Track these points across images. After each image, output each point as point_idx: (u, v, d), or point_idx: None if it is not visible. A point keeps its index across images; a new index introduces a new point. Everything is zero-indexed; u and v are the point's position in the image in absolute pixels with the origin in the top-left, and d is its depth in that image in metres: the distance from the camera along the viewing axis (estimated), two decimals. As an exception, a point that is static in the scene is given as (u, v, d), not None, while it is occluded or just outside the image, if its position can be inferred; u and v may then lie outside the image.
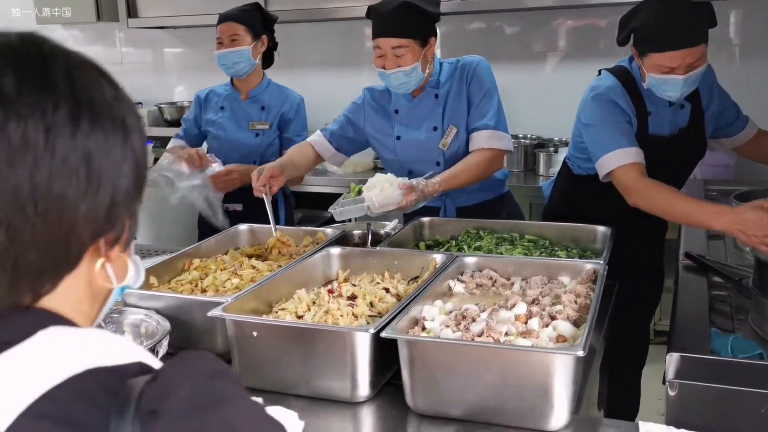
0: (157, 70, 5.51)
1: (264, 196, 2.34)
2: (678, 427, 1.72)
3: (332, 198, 4.58)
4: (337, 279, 2.01)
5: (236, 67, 2.98)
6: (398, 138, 2.60)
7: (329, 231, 2.28)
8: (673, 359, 1.69)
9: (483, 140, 2.47)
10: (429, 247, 2.29)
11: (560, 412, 1.36)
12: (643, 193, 2.15)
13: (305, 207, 4.73)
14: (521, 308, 1.58)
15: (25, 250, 0.65)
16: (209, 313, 1.55)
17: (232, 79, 3.12)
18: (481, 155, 2.46)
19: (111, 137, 0.70)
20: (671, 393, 1.71)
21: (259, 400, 1.12)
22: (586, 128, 2.38)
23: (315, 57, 5.00)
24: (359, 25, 4.79)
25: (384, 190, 2.21)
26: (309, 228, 2.38)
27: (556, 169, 3.92)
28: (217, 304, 1.62)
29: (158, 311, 1.75)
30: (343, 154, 2.73)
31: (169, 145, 3.16)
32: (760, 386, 1.61)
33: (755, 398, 1.62)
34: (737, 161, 3.87)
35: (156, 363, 0.72)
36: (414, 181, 2.28)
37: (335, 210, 2.26)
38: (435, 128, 2.54)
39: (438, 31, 2.62)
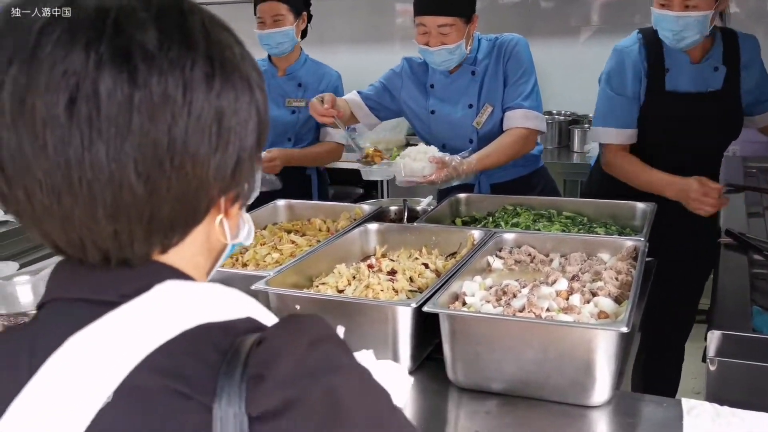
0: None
1: (336, 119, 2.41)
2: (718, 402, 1.73)
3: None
4: (374, 254, 2.02)
5: (280, 47, 2.97)
6: (432, 112, 2.60)
7: (366, 207, 2.29)
8: (714, 337, 1.68)
9: (517, 119, 2.46)
10: (465, 224, 2.29)
11: (602, 387, 1.36)
12: (615, 164, 2.39)
13: (337, 183, 4.75)
14: (562, 284, 1.58)
15: (159, 204, 0.67)
16: (253, 287, 1.57)
17: (269, 55, 3.11)
18: (515, 134, 2.45)
19: (240, 96, 0.70)
20: (712, 370, 1.71)
21: (369, 352, 1.13)
22: (600, 87, 2.47)
23: (344, 32, 4.98)
24: (389, 0, 4.76)
25: (415, 161, 2.23)
26: (346, 204, 2.39)
27: (591, 145, 3.89)
28: (260, 277, 1.65)
29: (201, 285, 1.78)
30: (376, 116, 2.74)
31: None
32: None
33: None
34: (777, 138, 3.79)
35: (267, 318, 0.74)
36: (447, 157, 2.28)
37: (364, 169, 2.34)
38: (470, 106, 2.53)
39: None
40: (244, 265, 1.93)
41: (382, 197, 4.38)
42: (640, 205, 2.16)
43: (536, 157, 2.68)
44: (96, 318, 0.67)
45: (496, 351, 1.41)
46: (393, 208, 2.41)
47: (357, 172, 4.55)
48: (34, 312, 0.76)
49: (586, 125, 4.09)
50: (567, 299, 1.52)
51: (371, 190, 4.56)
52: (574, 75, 4.34)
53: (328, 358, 0.68)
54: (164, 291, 0.69)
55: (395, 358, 1.51)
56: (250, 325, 0.71)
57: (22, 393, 0.65)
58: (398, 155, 2.34)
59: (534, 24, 4.39)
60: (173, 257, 0.72)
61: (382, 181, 4.44)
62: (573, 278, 1.69)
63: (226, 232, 0.76)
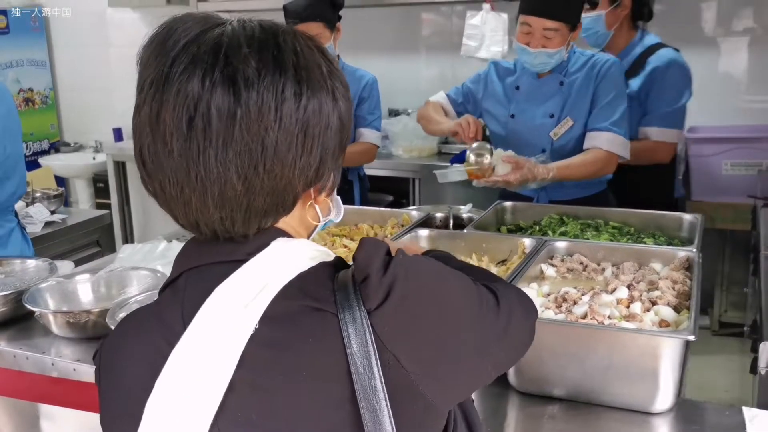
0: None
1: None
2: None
3: (396, 182, 4.66)
4: (424, 260, 2.05)
5: None
6: (512, 116, 2.62)
7: (414, 213, 2.32)
8: (766, 348, 1.71)
9: (603, 141, 2.46)
10: (511, 232, 2.31)
11: (665, 395, 1.38)
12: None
13: (371, 191, 4.79)
14: (622, 292, 1.60)
15: (255, 197, 0.84)
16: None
17: None
18: (597, 155, 2.45)
19: (324, 107, 0.86)
20: (763, 381, 1.73)
21: None
22: None
23: (372, 42, 5.02)
24: (416, 10, 4.79)
25: (490, 161, 2.28)
26: (393, 209, 2.42)
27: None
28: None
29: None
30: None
31: None
32: None
33: None
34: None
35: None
36: (524, 159, 2.30)
37: (438, 172, 2.40)
38: (551, 115, 2.54)
39: None
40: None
41: (413, 204, 4.41)
42: (687, 217, 2.18)
43: (601, 181, 2.65)
44: (232, 272, 0.84)
45: (560, 357, 1.43)
46: (438, 215, 2.44)
47: (386, 178, 4.61)
48: (98, 310, 0.96)
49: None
50: (628, 307, 1.54)
51: (401, 198, 4.59)
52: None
53: (400, 257, 0.86)
54: (279, 245, 0.87)
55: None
56: (339, 261, 0.92)
57: (183, 338, 0.82)
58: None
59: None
60: (281, 225, 0.90)
61: (414, 189, 4.46)
62: (629, 287, 1.71)
63: (317, 214, 0.94)
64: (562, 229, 2.19)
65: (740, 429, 1.35)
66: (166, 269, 2.16)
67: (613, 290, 1.63)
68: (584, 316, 1.49)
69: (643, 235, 2.13)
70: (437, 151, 4.48)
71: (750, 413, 1.39)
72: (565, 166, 2.41)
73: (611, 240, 2.09)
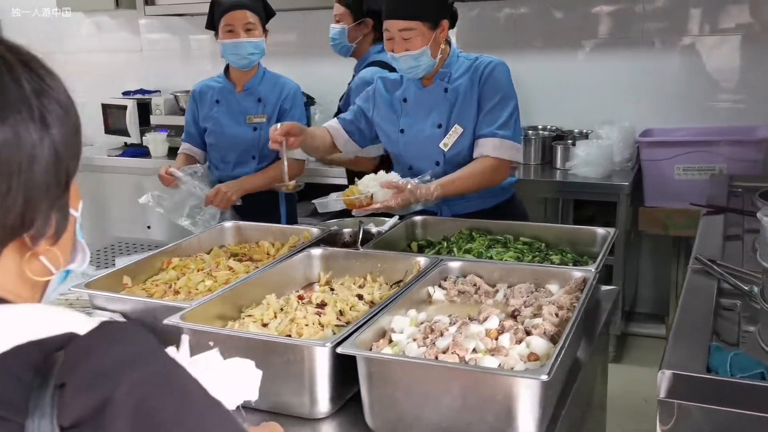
0: (176, 57, 5.47)
1: (280, 147, 2.32)
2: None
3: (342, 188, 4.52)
4: (318, 281, 1.93)
5: (250, 59, 2.86)
6: (402, 131, 2.51)
7: (315, 230, 2.19)
8: (665, 377, 1.58)
9: (488, 148, 2.35)
10: (421, 248, 2.19)
11: (526, 437, 1.26)
12: None
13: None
14: (493, 322, 1.47)
15: None
16: (165, 321, 1.48)
17: (227, 71, 3.00)
18: (485, 164, 2.35)
19: (24, 136, 0.70)
20: (662, 413, 1.61)
21: (214, 351, 1.08)
22: None
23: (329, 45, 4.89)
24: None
25: (368, 188, 2.16)
26: (295, 227, 2.29)
27: (573, 162, 3.78)
28: (180, 309, 1.56)
29: (124, 314, 1.69)
30: (355, 143, 2.65)
31: (179, 150, 3.12)
32: (758, 409, 1.49)
33: (752, 421, 1.50)
34: (766, 156, 3.68)
35: (84, 329, 0.72)
36: (405, 181, 2.19)
37: (317, 201, 2.27)
38: (439, 126, 2.43)
39: (458, 16, 2.50)
40: (176, 293, 1.84)
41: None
42: (600, 231, 2.06)
43: (505, 189, 2.54)
44: None
45: (414, 396, 1.30)
46: (347, 230, 2.31)
47: (342, 186, 4.48)
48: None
49: (569, 141, 3.99)
50: (496, 339, 1.41)
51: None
52: (559, 90, 4.25)
53: (128, 355, 0.67)
54: None
55: (312, 400, 1.41)
56: (69, 339, 0.69)
57: None
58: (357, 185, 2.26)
59: (518, 38, 4.30)
60: None
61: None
62: (514, 313, 1.59)
63: (46, 267, 0.77)
64: (468, 245, 2.07)
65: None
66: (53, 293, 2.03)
67: (485, 319, 1.50)
68: (446, 350, 1.37)
69: (551, 252, 2.01)
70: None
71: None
72: (450, 181, 2.29)
73: (517, 257, 1.96)
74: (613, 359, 3.79)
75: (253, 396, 1.01)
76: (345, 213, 2.39)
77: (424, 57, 2.32)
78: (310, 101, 4.81)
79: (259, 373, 1.02)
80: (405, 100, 2.51)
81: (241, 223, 2.32)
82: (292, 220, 3.09)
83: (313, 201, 2.30)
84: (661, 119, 4.12)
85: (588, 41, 4.24)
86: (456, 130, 2.41)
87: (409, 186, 2.16)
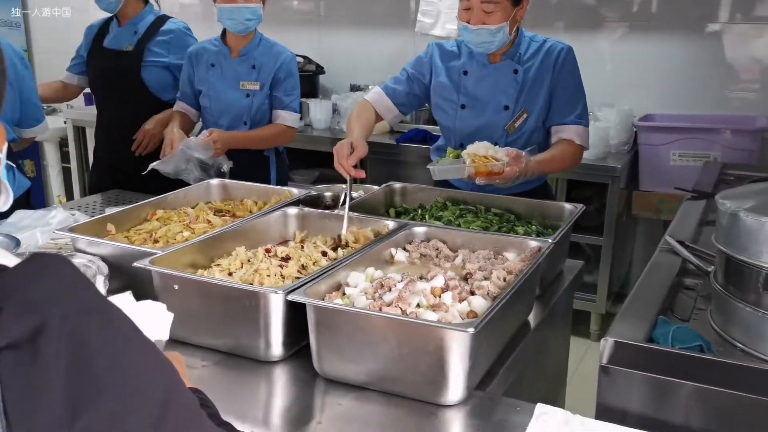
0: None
1: (348, 176, 2.12)
2: (605, 414, 1.70)
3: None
4: (294, 239, 2.02)
5: (246, 24, 2.85)
6: (463, 107, 2.46)
7: (295, 191, 2.27)
8: (608, 344, 1.66)
9: (574, 134, 2.39)
10: (399, 214, 2.27)
11: (455, 387, 1.35)
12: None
13: (322, 167, 4.75)
14: (439, 281, 1.56)
15: None
16: (134, 264, 1.58)
17: (223, 35, 3.00)
18: (571, 149, 2.39)
19: None
20: (603, 378, 1.69)
21: (127, 293, 1.17)
22: None
23: (350, 14, 4.94)
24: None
25: (488, 154, 2.14)
26: (278, 188, 2.38)
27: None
28: (154, 254, 1.66)
29: (104, 258, 1.80)
30: (401, 112, 2.60)
31: (174, 108, 3.14)
32: (692, 378, 1.57)
33: (687, 390, 1.58)
34: (761, 147, 3.70)
35: (12, 262, 0.76)
36: (521, 151, 2.17)
37: (433, 168, 2.22)
38: (506, 107, 2.40)
39: None
40: (155, 241, 1.94)
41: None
42: (568, 206, 2.12)
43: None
44: None
45: (356, 344, 1.40)
46: (328, 194, 2.39)
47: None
48: None
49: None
50: (439, 296, 1.50)
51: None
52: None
53: (60, 285, 0.71)
54: None
55: (267, 344, 1.51)
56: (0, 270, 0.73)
57: None
58: (458, 154, 2.22)
59: (536, 17, 4.32)
60: None
61: (365, 167, 4.42)
62: (466, 276, 1.68)
63: None
64: (440, 213, 2.14)
65: (523, 425, 1.31)
66: (45, 236, 2.15)
67: (432, 278, 1.58)
68: (390, 304, 1.46)
69: (518, 224, 2.08)
70: (389, 129, 4.42)
71: (541, 410, 1.36)
72: (549, 159, 2.31)
73: (484, 227, 2.04)
74: (597, 337, 3.87)
75: (163, 336, 1.10)
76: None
77: (500, 33, 2.28)
78: (318, 70, 4.88)
79: (171, 315, 1.11)
80: (465, 73, 2.45)
81: (228, 181, 2.41)
82: (282, 183, 3.14)
83: (428, 166, 2.23)
84: (666, 105, 4.13)
85: (596, 24, 4.26)
86: (522, 114, 2.41)
87: (525, 158, 2.15)
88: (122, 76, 3.19)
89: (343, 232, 1.91)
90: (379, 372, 1.39)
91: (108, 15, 3.32)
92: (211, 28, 5.27)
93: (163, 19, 3.26)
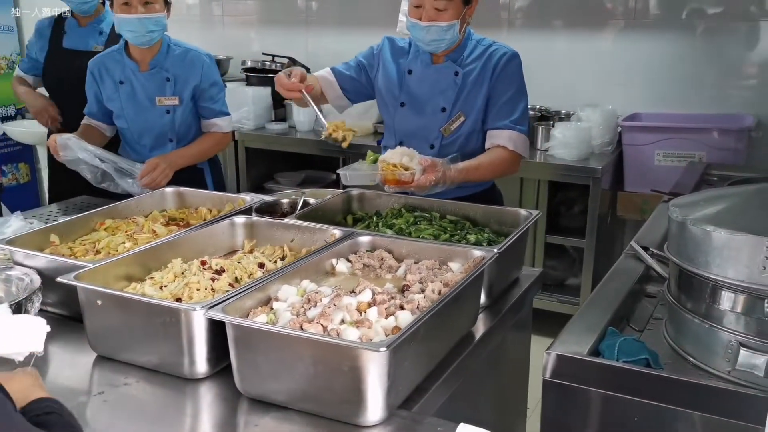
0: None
1: (303, 93, 2.20)
2: (551, 430, 1.65)
3: (327, 161, 4.57)
4: (242, 249, 1.98)
5: (150, 36, 2.62)
6: (402, 105, 2.45)
7: (248, 198, 2.23)
8: (550, 358, 1.61)
9: (507, 140, 2.35)
10: (357, 221, 2.22)
11: (374, 407, 1.30)
12: None
13: (310, 168, 4.72)
14: (365, 296, 1.51)
15: None
16: (57, 279, 1.55)
17: (126, 46, 2.74)
18: (503, 155, 2.35)
19: None
20: (546, 393, 1.64)
21: (3, 306, 1.14)
22: None
23: (336, 15, 4.90)
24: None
25: (403, 163, 2.11)
26: (233, 195, 2.33)
27: (550, 143, 3.76)
28: (84, 267, 1.63)
29: (40, 271, 1.77)
30: (347, 98, 2.56)
31: (83, 121, 2.91)
32: (632, 393, 1.52)
33: (627, 405, 1.53)
34: (747, 146, 3.62)
35: None
36: (438, 160, 2.15)
37: (344, 173, 2.18)
38: (443, 109, 2.39)
39: None
40: (98, 252, 1.91)
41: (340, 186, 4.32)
42: (523, 212, 2.07)
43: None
44: None
45: (273, 363, 1.35)
46: (285, 200, 2.35)
47: (316, 157, 4.50)
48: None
49: (551, 123, 3.96)
50: (365, 312, 1.45)
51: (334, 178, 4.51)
52: (548, 70, 4.20)
53: None
54: None
55: (190, 361, 1.47)
56: None
57: None
58: (376, 158, 2.19)
59: (505, 16, 4.27)
60: None
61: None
62: (403, 288, 1.63)
63: None
64: (393, 221, 2.09)
65: (442, 448, 1.26)
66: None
67: (361, 292, 1.53)
68: (313, 320, 1.41)
69: (471, 231, 2.03)
70: (373, 131, 4.37)
71: (464, 429, 1.31)
72: (474, 168, 2.28)
73: (436, 235, 1.99)
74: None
75: (38, 348, 1.07)
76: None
77: (450, 32, 2.26)
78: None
79: (46, 328, 1.08)
80: (410, 72, 2.43)
81: (183, 188, 2.37)
82: (219, 189, 2.98)
83: (338, 171, 2.20)
84: (652, 104, 4.05)
85: (577, 22, 4.19)
86: (459, 117, 2.38)
87: (442, 167, 2.13)
88: None
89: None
90: (298, 391, 1.35)
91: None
92: (211, 32, 5.31)
93: None
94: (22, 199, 5.51)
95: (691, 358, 1.65)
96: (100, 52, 3.07)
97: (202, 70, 2.77)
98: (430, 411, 1.47)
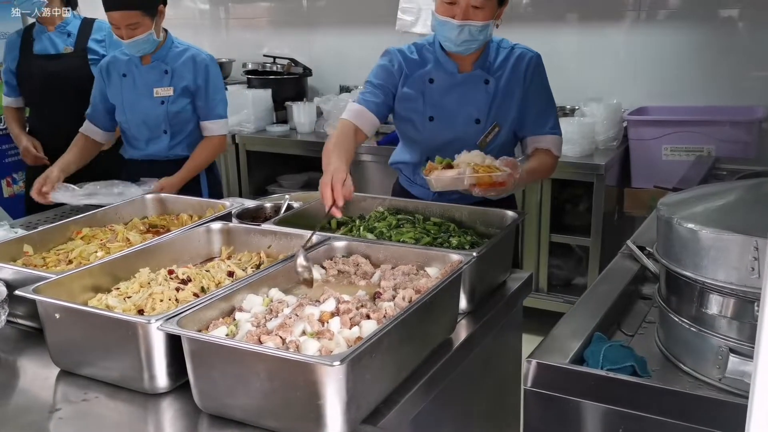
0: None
1: (336, 210, 1.87)
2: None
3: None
4: (219, 256, 1.93)
5: (144, 51, 2.74)
6: (431, 119, 2.28)
7: (227, 203, 2.18)
8: (531, 366, 1.53)
9: (553, 145, 2.29)
10: (339, 225, 2.15)
11: (333, 423, 1.23)
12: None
13: (309, 170, 4.66)
14: (329, 305, 1.44)
15: None
16: (16, 292, 1.50)
17: None
18: (550, 159, 2.30)
19: None
20: (527, 402, 1.56)
21: None
22: None
23: (336, 14, 4.84)
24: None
25: (485, 163, 2.00)
26: (213, 201, 2.27)
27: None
28: (48, 279, 1.58)
29: (8, 283, 1.73)
30: (379, 121, 2.34)
31: (80, 129, 2.93)
32: (615, 403, 1.44)
33: (610, 415, 1.45)
34: (759, 139, 3.50)
35: None
36: (515, 159, 2.06)
37: (430, 178, 2.02)
38: (477, 121, 2.26)
39: None
40: (69, 262, 1.87)
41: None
42: (509, 213, 1.99)
43: None
44: None
45: (228, 378, 1.29)
46: (269, 205, 2.29)
47: (318, 159, 4.43)
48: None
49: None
50: (327, 322, 1.38)
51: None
52: (554, 63, 4.10)
53: None
54: None
55: (150, 375, 1.42)
56: None
57: None
58: (448, 162, 2.05)
59: (510, 8, 4.17)
60: None
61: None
62: (375, 296, 1.56)
63: None
64: (374, 224, 2.03)
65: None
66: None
67: (325, 300, 1.47)
68: (272, 332, 1.35)
69: (454, 233, 1.95)
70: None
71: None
72: (535, 169, 2.21)
73: (416, 238, 1.92)
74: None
75: None
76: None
77: (484, 33, 2.13)
78: (306, 72, 4.79)
79: None
80: (432, 81, 2.27)
81: (164, 195, 2.33)
82: (215, 194, 2.98)
83: (426, 176, 2.03)
84: (658, 97, 3.94)
85: (581, 15, 4.09)
86: (494, 129, 2.27)
87: (519, 166, 2.03)
88: (69, 76, 3.22)
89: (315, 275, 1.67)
90: (255, 407, 1.29)
91: (20, 27, 3.41)
92: (216, 35, 5.28)
93: (90, 20, 3.34)
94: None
95: (681, 365, 1.57)
96: (69, 53, 3.23)
97: (199, 67, 2.82)
98: (402, 425, 1.40)
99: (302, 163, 4.63)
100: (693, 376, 1.52)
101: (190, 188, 2.78)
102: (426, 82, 2.28)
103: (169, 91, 2.79)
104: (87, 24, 3.31)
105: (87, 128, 2.94)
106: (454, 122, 2.27)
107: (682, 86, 3.91)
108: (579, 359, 1.56)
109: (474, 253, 1.67)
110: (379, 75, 2.32)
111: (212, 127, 2.85)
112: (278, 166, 4.66)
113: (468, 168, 1.98)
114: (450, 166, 2.04)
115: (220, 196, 3.00)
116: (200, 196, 2.85)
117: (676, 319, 1.57)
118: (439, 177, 2.00)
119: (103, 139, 2.96)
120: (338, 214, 1.90)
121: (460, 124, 2.26)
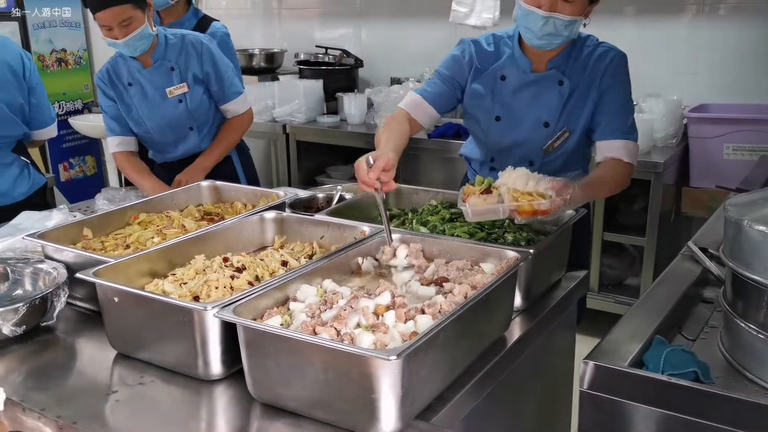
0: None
1: (376, 192, 1.77)
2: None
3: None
4: (272, 245, 1.93)
5: (141, 49, 2.60)
6: (498, 119, 2.18)
7: (281, 193, 2.18)
8: (588, 367, 1.49)
9: (625, 152, 2.09)
10: (393, 217, 2.13)
11: (387, 417, 1.22)
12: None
13: (336, 163, 4.66)
14: (384, 298, 1.43)
15: None
16: (77, 275, 1.53)
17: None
18: (619, 169, 2.08)
19: None
20: (583, 405, 1.52)
21: None
22: None
23: (389, 6, 4.82)
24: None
25: (528, 187, 1.76)
26: (268, 190, 2.27)
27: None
28: (107, 263, 1.60)
29: (68, 265, 1.76)
30: (438, 115, 2.27)
31: (111, 150, 2.84)
32: (676, 409, 1.39)
33: (671, 422, 1.40)
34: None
35: None
36: (565, 180, 1.83)
37: (466, 209, 1.76)
38: (546, 124, 2.14)
39: None
40: (127, 247, 1.89)
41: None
42: (568, 211, 1.94)
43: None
44: None
45: (282, 368, 1.29)
46: (321, 195, 2.29)
47: (367, 150, 4.42)
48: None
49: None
50: (382, 315, 1.37)
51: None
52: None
53: None
54: None
55: (205, 362, 1.42)
56: None
57: None
58: (490, 183, 1.81)
59: None
60: None
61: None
62: (438, 281, 1.54)
63: None
64: (427, 218, 2.00)
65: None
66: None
67: (380, 293, 1.45)
68: (326, 323, 1.34)
69: (510, 230, 1.91)
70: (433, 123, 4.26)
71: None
72: (594, 184, 2.00)
73: (470, 233, 1.89)
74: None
75: None
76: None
77: (569, 29, 2.00)
78: (357, 63, 4.78)
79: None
80: (503, 78, 2.17)
81: (219, 183, 2.34)
82: (252, 180, 2.95)
83: (461, 207, 1.79)
84: (720, 94, 3.82)
85: (640, 8, 3.98)
86: (564, 134, 2.14)
87: (572, 187, 1.81)
88: None
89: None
90: (309, 398, 1.28)
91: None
92: (268, 25, 5.31)
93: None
94: (89, 191, 5.66)
95: (746, 372, 1.51)
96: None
97: (202, 52, 2.72)
98: (454, 422, 1.38)
99: (351, 154, 4.60)
100: (759, 385, 1.46)
101: (224, 173, 2.74)
102: (498, 79, 2.17)
103: (183, 88, 2.70)
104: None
105: (119, 145, 2.81)
106: (521, 124, 2.16)
107: (745, 83, 3.77)
108: (638, 363, 1.52)
109: (531, 251, 1.63)
110: (448, 65, 2.24)
111: (233, 108, 2.80)
112: (327, 157, 4.67)
113: (507, 195, 1.75)
114: (490, 190, 1.79)
115: (254, 174, 2.99)
116: (235, 176, 2.87)
117: (743, 325, 1.51)
118: (474, 208, 1.76)
119: (134, 146, 2.86)
120: (387, 188, 1.80)
121: (527, 127, 2.16)
